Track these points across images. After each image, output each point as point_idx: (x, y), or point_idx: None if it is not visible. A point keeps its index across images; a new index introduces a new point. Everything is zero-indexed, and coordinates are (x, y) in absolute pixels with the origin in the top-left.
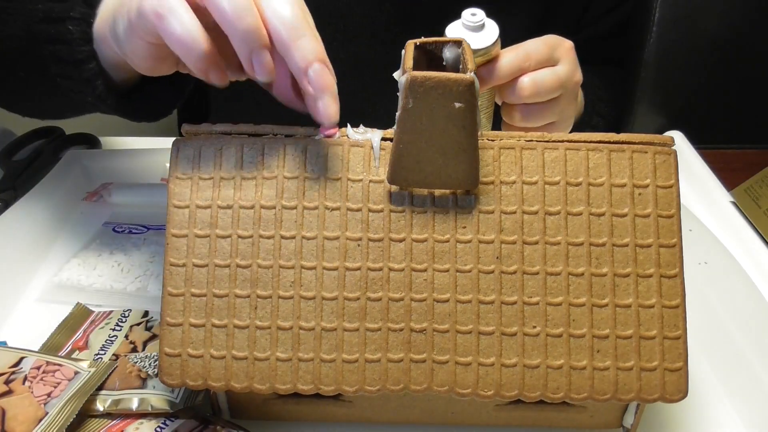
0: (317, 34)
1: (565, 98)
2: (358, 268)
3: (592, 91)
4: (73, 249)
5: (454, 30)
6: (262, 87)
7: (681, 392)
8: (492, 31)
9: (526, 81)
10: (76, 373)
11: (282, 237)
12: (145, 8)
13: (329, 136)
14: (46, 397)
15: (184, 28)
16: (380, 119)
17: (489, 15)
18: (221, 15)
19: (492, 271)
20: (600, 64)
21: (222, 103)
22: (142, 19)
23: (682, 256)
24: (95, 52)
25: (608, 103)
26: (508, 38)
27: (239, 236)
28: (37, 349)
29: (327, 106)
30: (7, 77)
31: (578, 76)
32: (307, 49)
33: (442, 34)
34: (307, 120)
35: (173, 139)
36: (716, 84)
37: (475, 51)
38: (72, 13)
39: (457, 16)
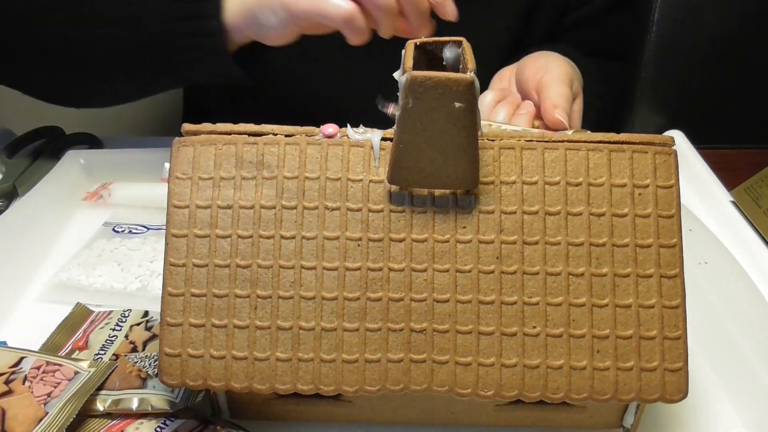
0: None
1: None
2: (358, 268)
3: (589, 84)
4: (73, 249)
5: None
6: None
7: (681, 392)
8: None
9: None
10: (76, 373)
11: (282, 237)
12: (293, 6)
13: (329, 136)
14: (46, 397)
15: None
16: (380, 119)
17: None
18: None
19: (492, 271)
20: (599, 57)
21: (224, 103)
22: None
23: (682, 256)
24: (227, 39)
25: (604, 98)
26: (494, 29)
27: (239, 236)
28: (37, 349)
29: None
30: (119, 73)
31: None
32: None
33: (442, 31)
34: (307, 120)
35: (173, 139)
36: (716, 84)
37: None
38: (209, 10)
39: (462, 11)
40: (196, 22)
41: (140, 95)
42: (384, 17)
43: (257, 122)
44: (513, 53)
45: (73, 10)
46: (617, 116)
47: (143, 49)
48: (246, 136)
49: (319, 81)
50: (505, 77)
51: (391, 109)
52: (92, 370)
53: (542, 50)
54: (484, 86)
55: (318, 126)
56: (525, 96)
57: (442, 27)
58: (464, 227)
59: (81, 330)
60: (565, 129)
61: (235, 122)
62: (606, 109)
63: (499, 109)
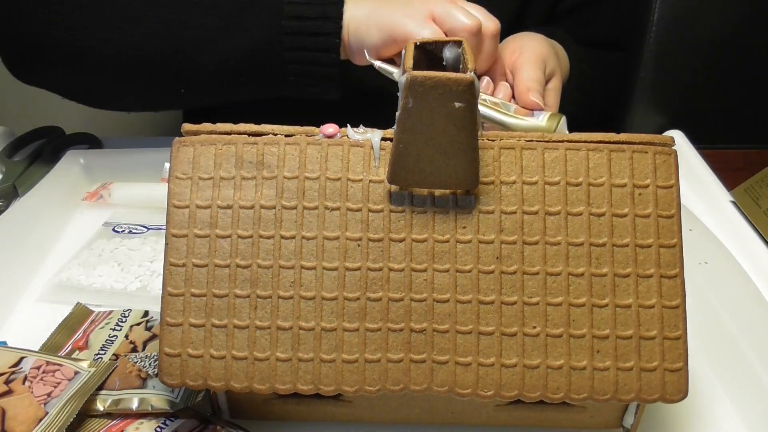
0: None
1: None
2: (358, 268)
3: (577, 65)
4: (73, 249)
5: None
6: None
7: (681, 392)
8: None
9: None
10: (76, 373)
11: (282, 237)
12: (399, 27)
13: (329, 136)
14: (46, 397)
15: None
16: (380, 119)
17: None
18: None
19: (492, 271)
20: (594, 46)
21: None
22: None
23: (682, 256)
24: (339, 56)
25: (595, 80)
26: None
27: (239, 236)
28: (37, 349)
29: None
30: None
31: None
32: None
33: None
34: (307, 120)
35: (173, 139)
36: (716, 84)
37: None
38: (333, 28)
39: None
40: (319, 40)
41: (216, 103)
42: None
43: (257, 122)
44: None
45: (171, 24)
46: (617, 116)
47: (249, 61)
48: (246, 136)
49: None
50: None
51: (379, 64)
52: (92, 370)
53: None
54: None
55: (318, 126)
56: (503, 77)
57: None
58: (464, 227)
59: (81, 330)
60: (541, 109)
61: (235, 122)
62: (597, 92)
63: None
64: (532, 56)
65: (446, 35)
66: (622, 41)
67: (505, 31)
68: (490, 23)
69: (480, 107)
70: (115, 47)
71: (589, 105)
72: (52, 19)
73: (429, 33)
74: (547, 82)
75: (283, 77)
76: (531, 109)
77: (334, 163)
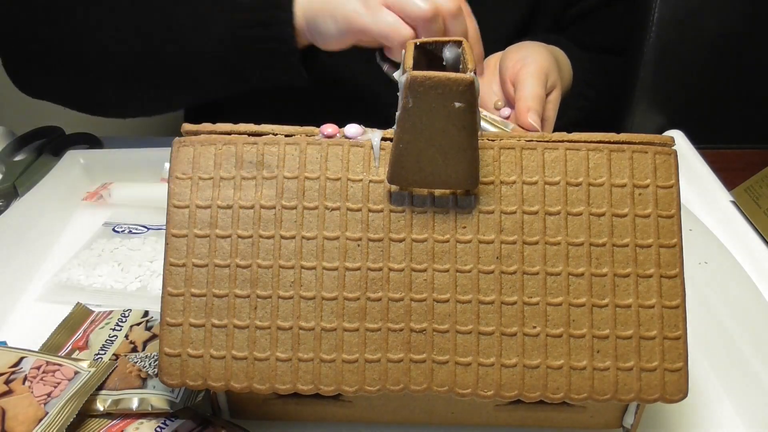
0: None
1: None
2: (358, 268)
3: (581, 75)
4: (73, 249)
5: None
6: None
7: (681, 392)
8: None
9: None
10: (76, 373)
11: (282, 237)
12: (355, 20)
13: (329, 136)
14: (46, 397)
15: (392, 24)
16: (380, 119)
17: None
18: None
19: (492, 271)
20: (597, 52)
21: (225, 103)
22: (352, 29)
23: (682, 256)
24: (297, 43)
25: (597, 87)
26: (498, 26)
27: (239, 236)
28: (37, 349)
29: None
30: (184, 85)
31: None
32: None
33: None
34: (307, 120)
35: (173, 139)
36: (716, 84)
37: None
38: (280, 17)
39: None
40: (271, 29)
41: (197, 101)
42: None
43: (257, 122)
44: None
45: (142, 23)
46: (617, 116)
47: (213, 57)
48: (246, 136)
49: (317, 80)
50: (491, 64)
51: (386, 68)
52: (92, 370)
53: (533, 41)
54: None
55: (318, 126)
56: (504, 86)
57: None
58: (464, 227)
59: (81, 330)
60: (537, 131)
61: (236, 122)
62: (600, 99)
63: None
64: (535, 69)
65: (404, 20)
66: (623, 45)
67: (512, 38)
68: (448, 3)
69: (481, 122)
70: (93, 49)
71: (591, 111)
72: (38, 23)
73: (385, 25)
74: (547, 94)
75: (247, 70)
76: (528, 131)
77: (334, 163)
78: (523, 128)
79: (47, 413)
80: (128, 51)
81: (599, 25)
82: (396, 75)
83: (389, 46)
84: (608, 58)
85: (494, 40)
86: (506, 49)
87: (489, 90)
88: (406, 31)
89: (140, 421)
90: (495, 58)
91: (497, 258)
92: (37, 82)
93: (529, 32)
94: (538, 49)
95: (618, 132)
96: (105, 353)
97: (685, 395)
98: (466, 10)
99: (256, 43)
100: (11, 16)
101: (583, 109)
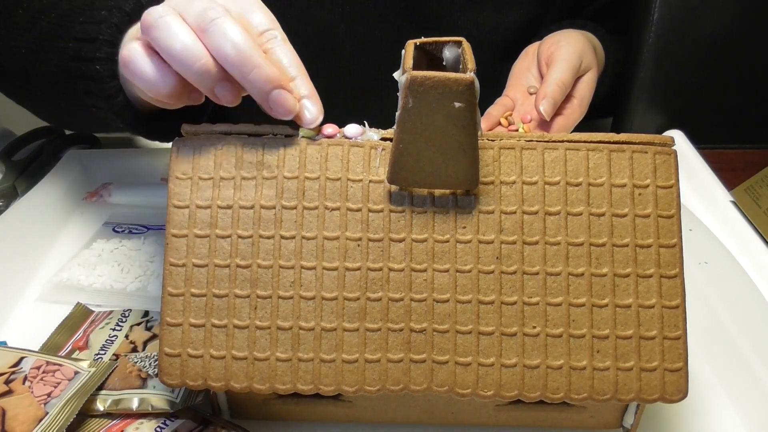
0: (273, 53)
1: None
2: (358, 268)
3: (611, 54)
4: (73, 249)
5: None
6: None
7: (681, 392)
8: None
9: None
10: (76, 373)
11: (282, 237)
12: (123, 56)
13: (329, 136)
14: (46, 397)
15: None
16: (380, 119)
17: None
18: (174, 60)
19: (492, 272)
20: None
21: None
22: (126, 69)
23: (682, 256)
24: (121, 87)
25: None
26: (505, 26)
27: (239, 236)
28: (37, 349)
29: (301, 118)
30: (51, 104)
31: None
32: (260, 81)
33: (447, 19)
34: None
35: (173, 139)
36: (716, 84)
37: None
38: (98, 53)
39: (472, 9)
40: (86, 64)
41: (101, 129)
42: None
43: (257, 122)
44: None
45: (15, 36)
46: (617, 116)
47: (55, 84)
48: (246, 136)
49: (317, 80)
50: (529, 53)
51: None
52: (92, 370)
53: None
54: (506, 72)
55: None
56: (540, 68)
57: (451, 27)
58: (464, 227)
59: (81, 330)
60: (545, 121)
61: (236, 122)
62: (616, 81)
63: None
64: (568, 52)
65: None
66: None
67: (516, 39)
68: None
69: None
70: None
71: (616, 84)
72: None
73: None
74: (581, 75)
75: (77, 92)
76: (539, 115)
77: (334, 163)
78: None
79: (47, 413)
80: (11, 65)
81: (615, 14)
82: (396, 75)
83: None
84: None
85: (500, 42)
86: (543, 38)
87: (528, 75)
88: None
89: (140, 421)
90: (533, 47)
91: (497, 258)
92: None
93: (541, 24)
94: (574, 34)
95: (618, 132)
96: (105, 353)
97: (685, 395)
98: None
99: (81, 79)
100: None
101: (599, 95)
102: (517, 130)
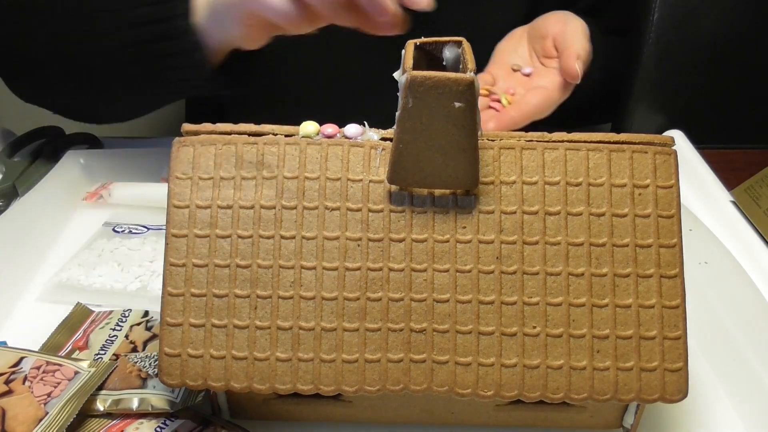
0: None
1: None
2: (358, 268)
3: (599, 48)
4: (73, 249)
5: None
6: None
7: (681, 392)
8: None
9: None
10: (76, 373)
11: (282, 237)
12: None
13: (329, 136)
14: (46, 397)
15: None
16: (380, 119)
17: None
18: None
19: (492, 272)
20: (613, 35)
21: (226, 104)
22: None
23: (682, 256)
24: (200, 42)
25: (614, 63)
26: (498, 24)
27: (239, 236)
28: (37, 349)
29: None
30: (106, 87)
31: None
32: None
33: (445, 21)
34: (307, 120)
35: (173, 139)
36: (716, 84)
37: None
38: (176, 10)
39: (465, 8)
40: (164, 25)
41: (147, 108)
42: (326, 8)
43: (257, 122)
44: None
45: (60, 29)
46: (617, 116)
47: (127, 59)
48: (246, 136)
49: (317, 80)
50: (516, 35)
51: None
52: (92, 370)
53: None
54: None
55: (319, 126)
56: (543, 41)
57: (443, 26)
58: (464, 227)
59: (81, 330)
60: (577, 81)
61: (236, 122)
62: (615, 77)
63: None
64: (581, 28)
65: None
66: (627, 25)
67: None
68: None
69: None
70: (30, 56)
71: (607, 91)
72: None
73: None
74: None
75: (156, 72)
76: (569, 77)
77: (334, 163)
78: (567, 71)
79: (47, 413)
80: (58, 58)
81: (610, 14)
82: (396, 75)
83: (286, 29)
84: (623, 42)
85: (490, 37)
86: (535, 19)
87: (513, 54)
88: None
89: (140, 421)
90: (521, 29)
91: (497, 258)
92: (20, 90)
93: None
94: (570, 14)
95: (618, 132)
96: (105, 353)
97: (685, 395)
98: None
99: (156, 42)
100: None
101: (601, 83)
102: (499, 101)
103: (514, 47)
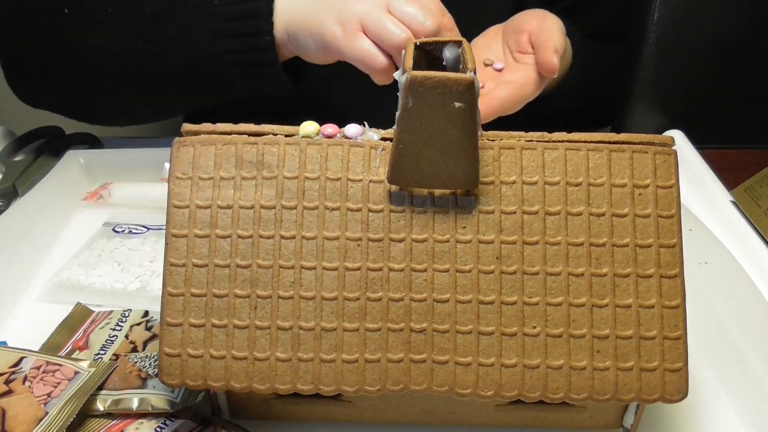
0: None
1: None
2: (358, 268)
3: (579, 53)
4: (73, 249)
5: None
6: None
7: (681, 392)
8: None
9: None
10: (76, 373)
11: (282, 237)
12: (331, 43)
13: (329, 136)
14: (46, 397)
15: (367, 52)
16: (380, 119)
17: None
18: (386, 45)
19: (492, 272)
20: (598, 38)
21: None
22: (330, 49)
23: (682, 256)
24: (276, 53)
25: (595, 70)
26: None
27: (239, 236)
28: (37, 349)
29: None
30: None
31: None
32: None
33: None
34: (307, 120)
35: (173, 139)
36: (716, 84)
37: None
38: (263, 26)
39: (453, 6)
40: (250, 39)
41: (188, 109)
42: None
43: (257, 122)
44: None
45: (129, 38)
46: (617, 116)
47: (196, 68)
48: (246, 136)
49: (317, 80)
50: (490, 33)
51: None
52: (92, 370)
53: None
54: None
55: (319, 126)
56: (518, 36)
57: None
58: (464, 227)
59: (81, 330)
60: (553, 75)
61: (236, 122)
62: (598, 84)
63: None
64: (558, 25)
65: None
66: (622, 34)
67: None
68: (428, 24)
69: None
70: (84, 63)
71: (589, 96)
72: (32, 37)
73: (360, 51)
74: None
75: (229, 80)
76: (546, 71)
77: (334, 163)
78: (543, 65)
79: (47, 413)
80: (117, 64)
81: (591, 14)
82: (396, 75)
83: (367, 72)
84: (605, 45)
85: (479, 33)
86: (511, 17)
87: (487, 51)
88: (381, 59)
89: (140, 421)
90: (496, 27)
91: (497, 258)
92: (34, 92)
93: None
94: (547, 12)
95: (618, 132)
96: (105, 353)
97: (685, 395)
98: (449, 23)
99: (236, 53)
100: (8, 27)
101: (581, 91)
102: None
103: (488, 43)
